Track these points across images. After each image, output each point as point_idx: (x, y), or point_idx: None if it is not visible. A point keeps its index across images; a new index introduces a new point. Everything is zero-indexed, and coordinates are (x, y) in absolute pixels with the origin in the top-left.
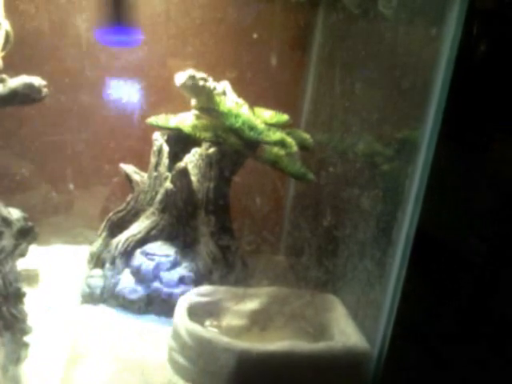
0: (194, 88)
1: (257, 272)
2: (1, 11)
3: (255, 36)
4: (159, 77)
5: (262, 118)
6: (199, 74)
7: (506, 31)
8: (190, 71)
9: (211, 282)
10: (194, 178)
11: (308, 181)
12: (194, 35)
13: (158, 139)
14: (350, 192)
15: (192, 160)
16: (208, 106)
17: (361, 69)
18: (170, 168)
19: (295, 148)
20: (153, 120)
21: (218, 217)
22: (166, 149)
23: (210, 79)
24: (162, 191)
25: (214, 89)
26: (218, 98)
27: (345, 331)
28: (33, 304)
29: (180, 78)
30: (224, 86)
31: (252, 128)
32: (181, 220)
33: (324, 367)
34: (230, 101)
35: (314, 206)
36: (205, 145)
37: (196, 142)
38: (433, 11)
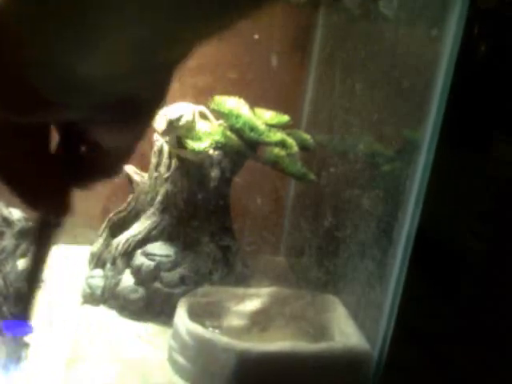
0: (176, 131)
1: (257, 272)
2: None
3: (256, 37)
4: None
5: (263, 119)
6: (175, 113)
7: (507, 32)
8: (166, 114)
9: (212, 283)
10: (194, 179)
11: (309, 181)
12: None
13: (159, 139)
14: (350, 192)
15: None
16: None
17: (361, 70)
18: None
19: (296, 148)
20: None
21: (219, 217)
22: (166, 149)
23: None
24: (162, 192)
25: (193, 121)
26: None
27: (345, 332)
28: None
29: (159, 124)
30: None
31: (253, 129)
32: (181, 220)
33: (324, 368)
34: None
35: (315, 206)
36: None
37: None
38: (434, 12)
